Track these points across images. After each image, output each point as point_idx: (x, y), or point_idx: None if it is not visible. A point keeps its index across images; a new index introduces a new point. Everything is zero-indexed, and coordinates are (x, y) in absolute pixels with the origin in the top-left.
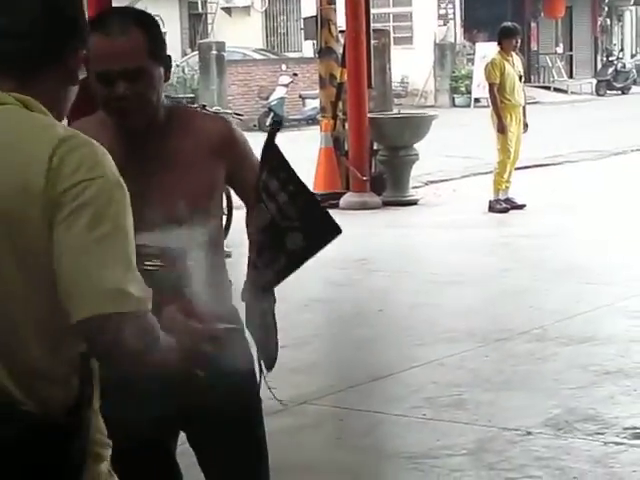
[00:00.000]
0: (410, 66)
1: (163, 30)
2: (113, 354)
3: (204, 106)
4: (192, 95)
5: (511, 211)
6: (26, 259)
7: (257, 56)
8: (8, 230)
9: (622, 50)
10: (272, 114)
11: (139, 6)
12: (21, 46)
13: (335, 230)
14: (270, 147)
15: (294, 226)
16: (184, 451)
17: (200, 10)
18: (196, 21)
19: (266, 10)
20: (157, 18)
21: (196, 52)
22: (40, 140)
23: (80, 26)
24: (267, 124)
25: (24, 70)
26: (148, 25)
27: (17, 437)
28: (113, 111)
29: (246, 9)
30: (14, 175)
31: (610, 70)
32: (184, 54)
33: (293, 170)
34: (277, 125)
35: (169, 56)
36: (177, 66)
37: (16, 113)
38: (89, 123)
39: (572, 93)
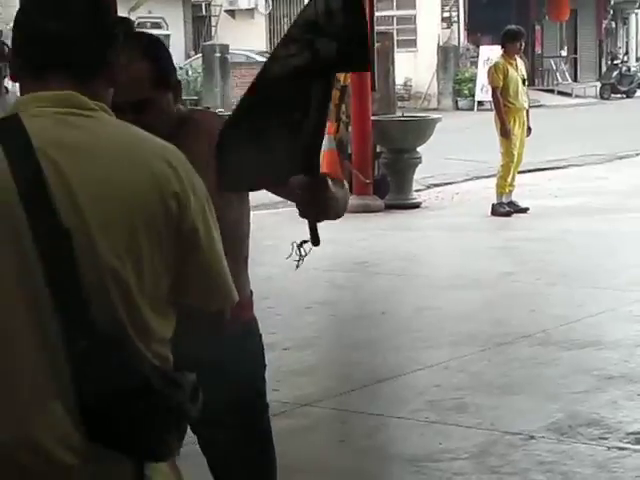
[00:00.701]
0: (413, 69)
1: (167, 32)
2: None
3: (208, 108)
4: (196, 97)
5: (514, 215)
6: (158, 247)
7: (261, 58)
8: (146, 224)
9: (627, 53)
10: None
11: (143, 9)
12: (76, 48)
13: (366, 63)
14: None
15: (333, 32)
16: (189, 452)
17: (204, 13)
18: (200, 24)
19: (270, 13)
20: (161, 21)
21: (200, 54)
22: (149, 146)
23: (118, 30)
24: None
25: (78, 72)
26: (154, 54)
27: (154, 383)
28: None
29: (250, 12)
30: (144, 173)
31: (615, 73)
32: (188, 56)
33: None
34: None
35: (179, 81)
36: (180, 68)
37: (111, 120)
38: None
39: (576, 96)
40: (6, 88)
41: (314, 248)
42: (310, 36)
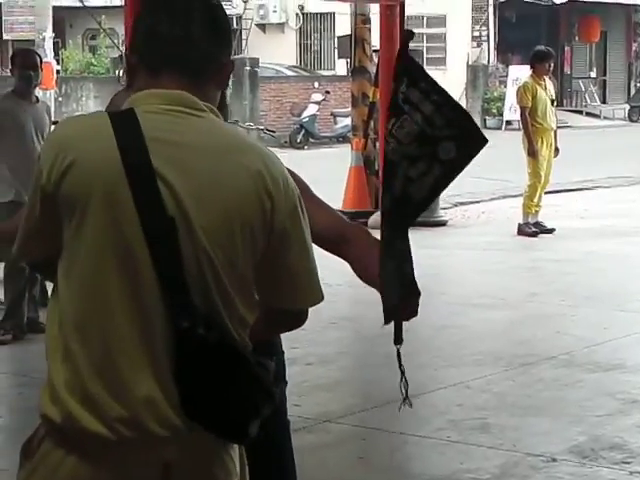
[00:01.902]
0: (442, 87)
1: None
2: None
3: (236, 121)
4: None
5: (540, 235)
6: (251, 244)
7: (290, 73)
8: (242, 220)
9: None
10: (303, 131)
11: None
12: (192, 51)
13: (483, 139)
14: (405, 57)
15: (444, 135)
16: None
17: (235, 26)
18: (232, 39)
19: (300, 28)
20: None
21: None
22: (249, 147)
23: (231, 36)
24: (298, 140)
25: (192, 73)
26: None
27: (248, 363)
28: None
29: (280, 26)
30: (243, 174)
31: None
32: None
33: (433, 79)
34: (410, 34)
35: (228, 106)
36: None
37: (217, 121)
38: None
39: (604, 118)
40: (37, 97)
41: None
42: (429, 149)
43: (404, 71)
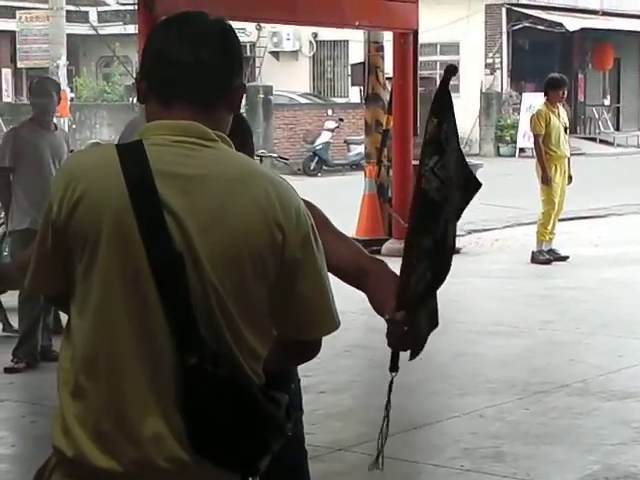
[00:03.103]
0: (456, 114)
1: None
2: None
3: None
4: None
5: (554, 262)
6: (262, 275)
7: (303, 100)
8: (250, 251)
9: None
10: (316, 159)
11: None
12: (205, 78)
13: (478, 184)
14: (447, 92)
15: (458, 181)
16: None
17: (248, 53)
18: (244, 64)
19: (314, 55)
20: None
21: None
22: (260, 177)
23: (243, 58)
24: (311, 168)
25: (203, 100)
26: (236, 126)
27: (259, 399)
28: None
29: (294, 54)
30: (253, 205)
31: None
32: None
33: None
34: (453, 69)
35: (253, 143)
36: None
37: (228, 150)
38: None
39: (618, 145)
40: (55, 125)
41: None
42: (456, 193)
43: (449, 107)
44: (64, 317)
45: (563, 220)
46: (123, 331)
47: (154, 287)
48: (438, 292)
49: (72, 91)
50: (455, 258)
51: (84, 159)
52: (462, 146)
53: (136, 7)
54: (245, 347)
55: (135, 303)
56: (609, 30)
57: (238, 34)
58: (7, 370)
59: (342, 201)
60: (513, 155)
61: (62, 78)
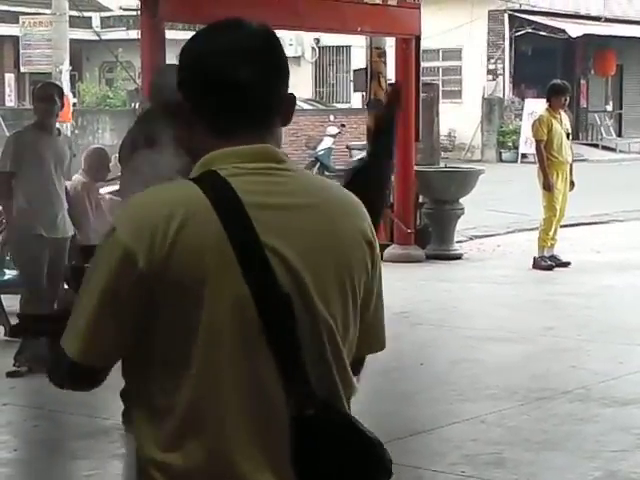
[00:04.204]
0: (458, 120)
1: None
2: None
3: None
4: None
5: (556, 269)
6: (357, 304)
7: (306, 106)
8: (351, 281)
9: None
10: (319, 164)
11: None
12: (262, 94)
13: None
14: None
15: None
16: None
17: None
18: None
19: (316, 61)
20: None
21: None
22: (349, 203)
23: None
24: (313, 173)
25: (265, 118)
26: None
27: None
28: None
29: (296, 59)
30: (348, 230)
31: None
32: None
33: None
34: (397, 94)
35: None
36: None
37: (305, 173)
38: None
39: (620, 152)
40: (58, 130)
41: None
42: None
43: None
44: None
45: (565, 226)
46: (230, 384)
47: (262, 334)
48: (440, 298)
49: (75, 96)
50: (457, 264)
51: (163, 197)
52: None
53: (139, 12)
54: (347, 385)
55: (243, 353)
56: (611, 36)
57: None
58: (9, 374)
59: None
60: (515, 161)
61: (65, 83)
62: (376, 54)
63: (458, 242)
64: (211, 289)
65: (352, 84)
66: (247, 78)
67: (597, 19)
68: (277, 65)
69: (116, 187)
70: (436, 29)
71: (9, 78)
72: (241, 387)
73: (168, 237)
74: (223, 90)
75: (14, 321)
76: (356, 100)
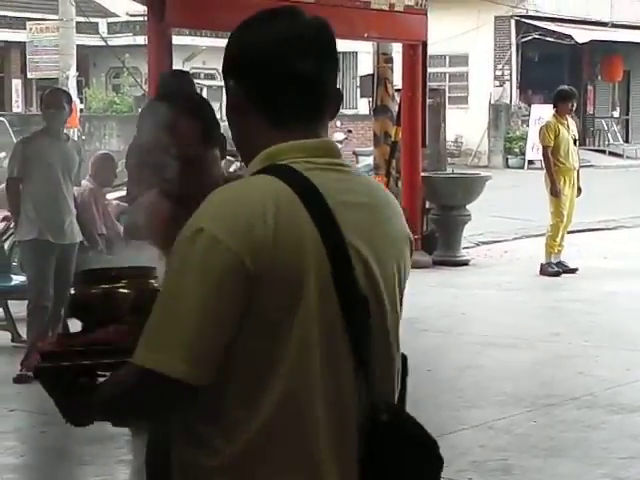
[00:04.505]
0: (464, 126)
1: (220, 84)
2: None
3: None
4: None
5: (563, 275)
6: (401, 297)
7: None
8: (401, 281)
9: None
10: None
11: (198, 60)
12: (322, 88)
13: None
14: None
15: None
16: None
17: None
18: None
19: None
20: (215, 72)
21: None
22: (394, 202)
23: None
24: None
25: (323, 112)
26: (196, 111)
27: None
28: (167, 197)
29: None
30: (401, 229)
31: None
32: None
33: None
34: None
35: (223, 135)
36: None
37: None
38: (150, 198)
39: (627, 158)
40: (67, 136)
41: None
42: None
43: None
44: (73, 325)
45: (572, 232)
46: (318, 392)
47: (345, 336)
48: (447, 304)
49: (81, 102)
50: (464, 270)
51: (251, 192)
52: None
53: (146, 18)
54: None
55: (327, 357)
56: (619, 42)
57: None
58: (16, 380)
59: None
60: (522, 167)
61: (72, 89)
62: (383, 60)
63: (465, 248)
64: (307, 289)
65: (359, 90)
66: (311, 69)
67: (604, 25)
68: (334, 56)
69: (123, 193)
70: (443, 35)
71: (16, 84)
72: (325, 392)
73: (268, 235)
74: (287, 81)
75: (22, 328)
76: (363, 106)
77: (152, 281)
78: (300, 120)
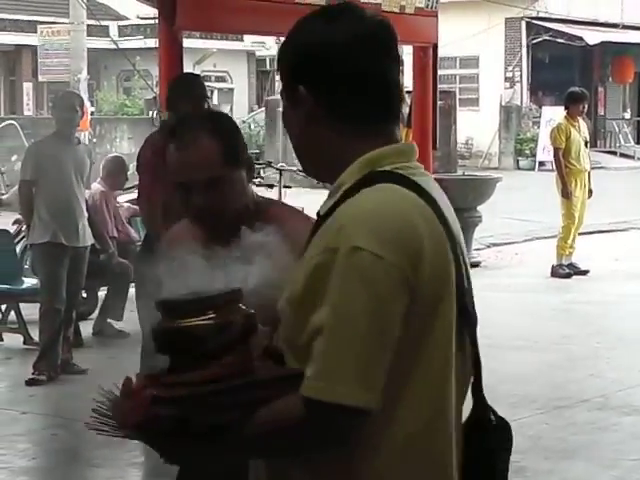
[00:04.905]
0: (475, 128)
1: (231, 86)
2: None
3: (270, 162)
4: (257, 151)
5: (574, 277)
6: None
7: None
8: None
9: None
10: None
11: (208, 62)
12: (399, 90)
13: None
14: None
15: None
16: None
17: (268, 67)
18: (264, 78)
19: None
20: (225, 74)
21: (263, 108)
22: None
23: None
24: None
25: (398, 114)
26: (223, 131)
27: None
28: (194, 220)
29: None
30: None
31: None
32: (251, 110)
33: None
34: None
35: (250, 157)
36: (243, 122)
37: None
38: (180, 227)
39: (638, 159)
40: (78, 139)
41: None
42: None
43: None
44: (84, 329)
45: (583, 234)
46: (451, 397)
47: (460, 343)
48: None
49: (92, 105)
50: (475, 272)
51: (400, 205)
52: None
53: (156, 21)
54: None
55: (455, 363)
56: (629, 43)
57: (257, 48)
58: (28, 383)
59: None
60: (532, 169)
61: (83, 92)
62: None
63: (476, 250)
64: (445, 303)
65: None
66: (383, 69)
67: (615, 26)
68: (399, 55)
69: (134, 195)
70: (453, 37)
71: (27, 87)
72: (456, 405)
73: (422, 248)
74: (364, 82)
75: (34, 330)
76: None
77: (243, 304)
78: (380, 122)
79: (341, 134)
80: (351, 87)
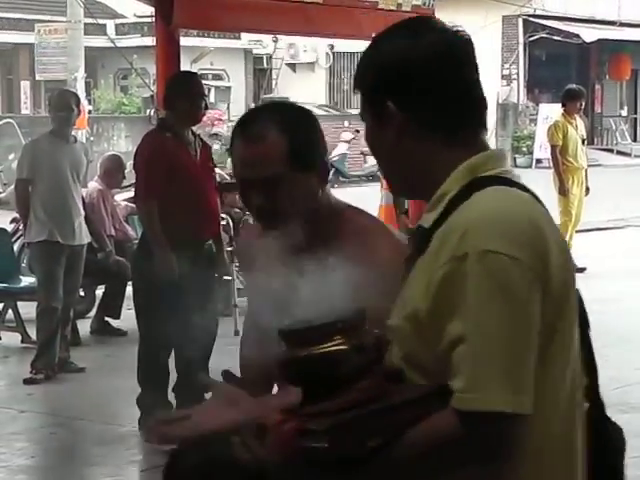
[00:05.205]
0: None
1: (228, 84)
2: None
3: None
4: None
5: None
6: None
7: (320, 112)
8: None
9: None
10: (333, 170)
11: (205, 60)
12: (485, 98)
13: None
14: None
15: None
16: None
17: (265, 65)
18: (261, 76)
19: (330, 67)
20: (222, 72)
21: None
22: None
23: None
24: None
25: (485, 121)
26: (293, 129)
27: None
28: (256, 219)
29: (310, 65)
30: None
31: None
32: (248, 108)
33: None
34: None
35: (325, 161)
36: None
37: None
38: (253, 229)
39: (635, 156)
40: (74, 137)
41: None
42: None
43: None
44: (82, 327)
45: (580, 231)
46: (575, 404)
47: (582, 345)
48: None
49: (90, 103)
50: None
51: (524, 208)
52: None
53: (153, 19)
54: None
55: (577, 371)
56: (626, 41)
57: (255, 46)
58: (26, 381)
59: None
60: (529, 166)
61: (80, 90)
62: None
63: None
64: (573, 302)
65: None
66: (472, 79)
67: (612, 23)
68: (478, 67)
69: (131, 194)
70: None
71: (24, 85)
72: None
73: (549, 250)
74: (458, 93)
75: (31, 329)
76: None
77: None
78: (468, 130)
79: (433, 146)
80: (438, 98)
